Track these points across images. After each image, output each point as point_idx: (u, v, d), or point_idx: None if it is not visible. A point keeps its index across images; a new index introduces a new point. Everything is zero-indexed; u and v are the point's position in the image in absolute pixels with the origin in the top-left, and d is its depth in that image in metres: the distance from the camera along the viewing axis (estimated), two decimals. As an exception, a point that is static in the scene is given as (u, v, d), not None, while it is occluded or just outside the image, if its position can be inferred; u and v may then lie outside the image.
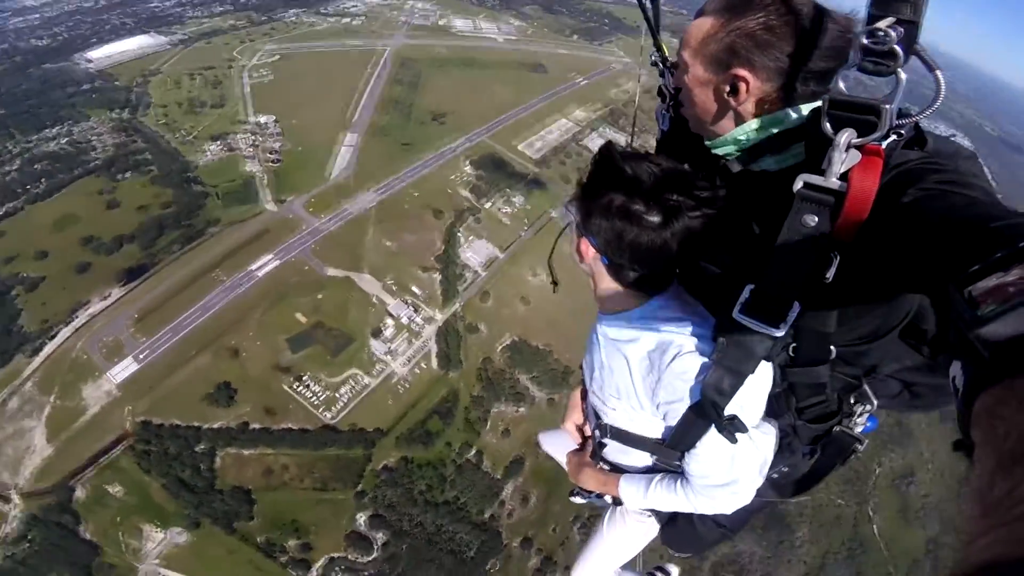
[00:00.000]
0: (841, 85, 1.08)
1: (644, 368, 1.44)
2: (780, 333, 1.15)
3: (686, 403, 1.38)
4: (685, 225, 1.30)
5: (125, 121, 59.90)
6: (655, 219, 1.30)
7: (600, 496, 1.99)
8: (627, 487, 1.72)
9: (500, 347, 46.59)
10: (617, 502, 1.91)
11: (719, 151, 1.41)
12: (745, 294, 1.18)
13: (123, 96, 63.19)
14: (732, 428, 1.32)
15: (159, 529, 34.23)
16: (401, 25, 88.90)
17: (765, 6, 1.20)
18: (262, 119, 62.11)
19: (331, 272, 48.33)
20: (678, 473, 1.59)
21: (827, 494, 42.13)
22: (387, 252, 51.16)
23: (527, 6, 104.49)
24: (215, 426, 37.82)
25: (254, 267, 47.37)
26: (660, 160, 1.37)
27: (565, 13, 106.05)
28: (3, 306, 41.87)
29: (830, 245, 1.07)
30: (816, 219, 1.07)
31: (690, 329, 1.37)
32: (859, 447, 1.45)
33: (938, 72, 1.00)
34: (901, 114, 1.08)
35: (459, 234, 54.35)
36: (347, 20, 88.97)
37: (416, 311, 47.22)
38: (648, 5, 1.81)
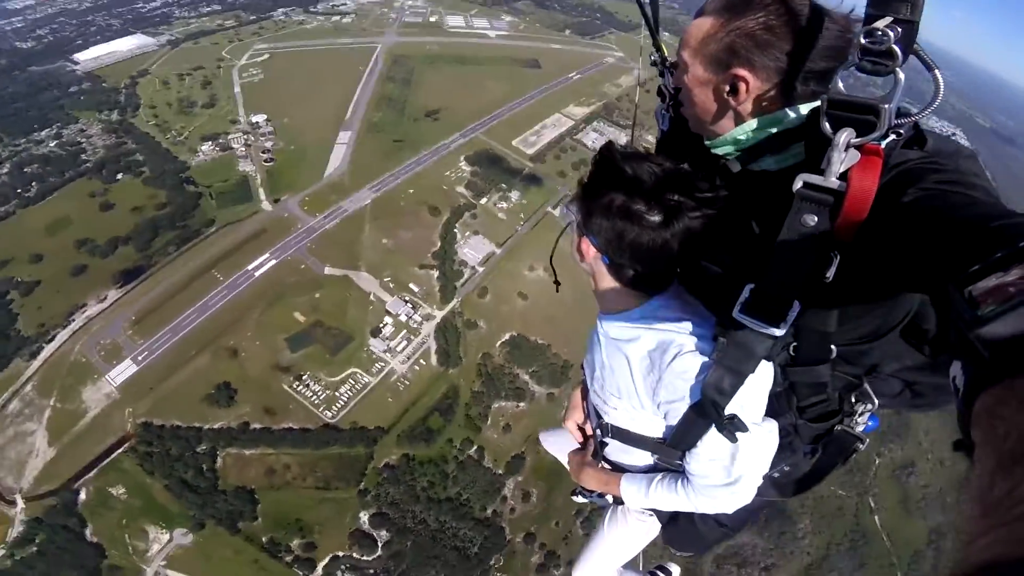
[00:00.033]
0: (840, 85, 1.08)
1: (645, 367, 1.44)
2: (780, 333, 1.15)
3: (687, 402, 1.38)
4: (686, 225, 1.30)
5: (115, 123, 59.45)
6: (656, 219, 1.30)
7: (602, 495, 1.99)
8: (628, 487, 1.73)
9: (499, 343, 46.65)
10: (618, 501, 1.91)
11: (719, 151, 1.40)
12: (745, 294, 1.18)
13: (112, 98, 62.71)
14: (732, 427, 1.32)
15: (164, 530, 34.37)
16: (392, 22, 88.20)
17: (765, 6, 1.19)
18: (254, 118, 61.71)
19: (328, 271, 48.24)
20: (679, 472, 1.60)
21: (828, 485, 42.37)
22: (384, 250, 51.06)
23: (519, 2, 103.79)
24: (216, 426, 37.86)
25: (251, 267, 47.24)
26: (661, 160, 1.37)
27: (557, 8, 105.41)
28: (-1, 311, 41.76)
29: (830, 245, 1.07)
30: (816, 219, 1.07)
31: (690, 328, 1.37)
32: (860, 446, 1.45)
33: (937, 71, 1.00)
34: (900, 113, 1.08)
35: (456, 231, 54.25)
36: (337, 18, 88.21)
37: (414, 309, 47.20)
38: (647, 5, 1.80)
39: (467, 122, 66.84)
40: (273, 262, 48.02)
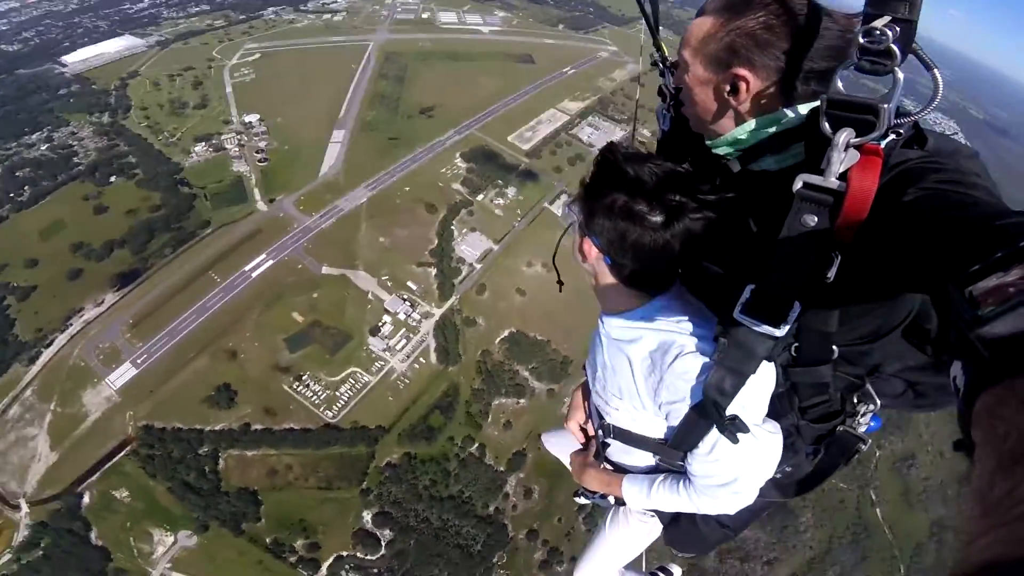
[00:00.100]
0: (839, 85, 1.07)
1: (646, 368, 1.44)
2: (781, 333, 1.14)
3: (688, 403, 1.38)
4: (687, 225, 1.30)
5: (107, 125, 58.94)
6: (658, 219, 1.31)
7: (604, 497, 1.99)
8: (630, 487, 1.73)
9: (498, 340, 46.70)
10: (620, 502, 1.92)
11: (719, 151, 1.40)
12: (746, 294, 1.18)
13: (103, 100, 62.10)
14: (734, 428, 1.33)
15: (168, 533, 34.45)
16: (384, 20, 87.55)
17: (765, 5, 1.19)
18: (247, 118, 61.26)
19: (326, 270, 48.12)
20: (681, 473, 1.60)
21: (829, 480, 42.45)
22: (381, 248, 50.94)
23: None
24: (217, 428, 37.87)
25: (248, 268, 47.09)
26: (662, 161, 1.37)
27: (550, 3, 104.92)
28: (-4, 316, 41.56)
29: (830, 245, 1.07)
30: (816, 219, 1.07)
31: (692, 329, 1.37)
32: (862, 447, 1.45)
33: (936, 71, 0.99)
34: (900, 113, 1.07)
35: (453, 228, 54.14)
36: (328, 16, 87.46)
37: (413, 307, 47.17)
38: (647, 4, 1.79)
39: (462, 118, 66.57)
40: (270, 263, 47.87)
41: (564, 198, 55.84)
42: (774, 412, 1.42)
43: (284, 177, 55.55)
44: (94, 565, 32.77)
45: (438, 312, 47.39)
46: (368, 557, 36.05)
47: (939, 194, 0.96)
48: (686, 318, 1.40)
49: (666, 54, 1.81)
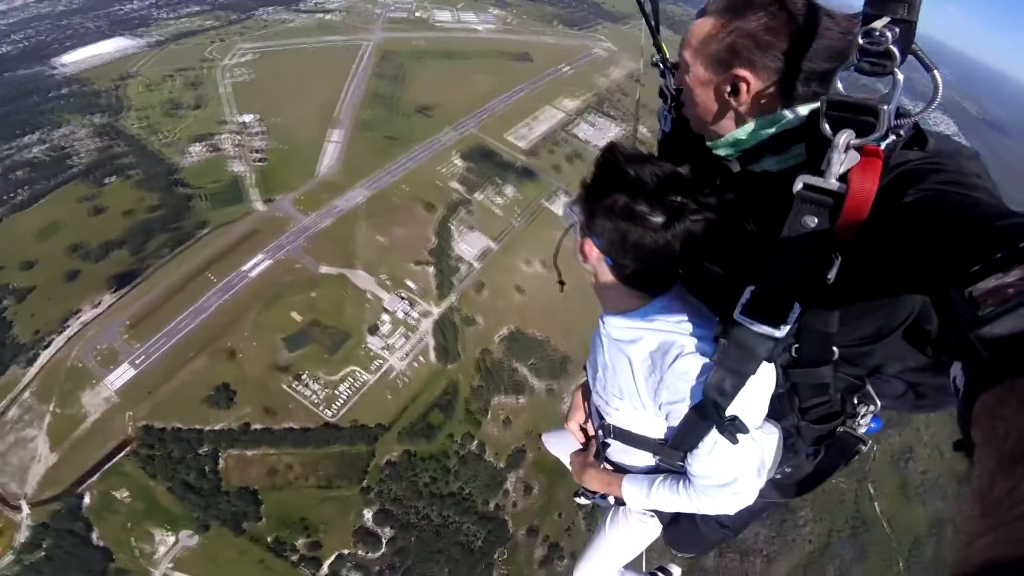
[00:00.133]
0: (839, 86, 1.07)
1: (646, 368, 1.44)
2: (781, 334, 1.14)
3: (688, 404, 1.38)
4: (688, 226, 1.30)
5: (104, 125, 58.65)
6: (658, 220, 1.31)
7: (604, 497, 1.99)
8: (630, 487, 1.73)
9: (497, 338, 46.76)
10: (620, 502, 1.92)
11: (720, 151, 1.40)
12: (746, 295, 1.18)
13: (100, 100, 61.80)
14: (734, 429, 1.33)
15: (169, 533, 34.50)
16: (379, 19, 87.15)
17: (766, 6, 1.19)
18: (244, 118, 61.06)
19: (324, 269, 48.05)
20: (681, 474, 1.60)
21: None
22: (379, 247, 50.88)
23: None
24: (217, 428, 37.87)
25: (246, 268, 46.99)
26: (663, 162, 1.37)
27: (546, 1, 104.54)
28: (-7, 318, 41.42)
29: (831, 246, 1.07)
30: (816, 220, 1.07)
31: (692, 329, 1.37)
32: (863, 448, 1.45)
33: (935, 72, 0.99)
34: (900, 114, 1.07)
35: (451, 226, 54.09)
36: (322, 15, 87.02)
37: (412, 305, 47.17)
38: (646, 3, 1.79)
39: (459, 117, 66.45)
40: (268, 262, 47.77)
41: (563, 196, 55.83)
42: (774, 413, 1.42)
43: (282, 177, 55.40)
44: (96, 566, 32.83)
45: (437, 311, 47.40)
46: (369, 555, 36.16)
47: (939, 195, 0.96)
48: (686, 318, 1.40)
49: (667, 55, 1.80)
